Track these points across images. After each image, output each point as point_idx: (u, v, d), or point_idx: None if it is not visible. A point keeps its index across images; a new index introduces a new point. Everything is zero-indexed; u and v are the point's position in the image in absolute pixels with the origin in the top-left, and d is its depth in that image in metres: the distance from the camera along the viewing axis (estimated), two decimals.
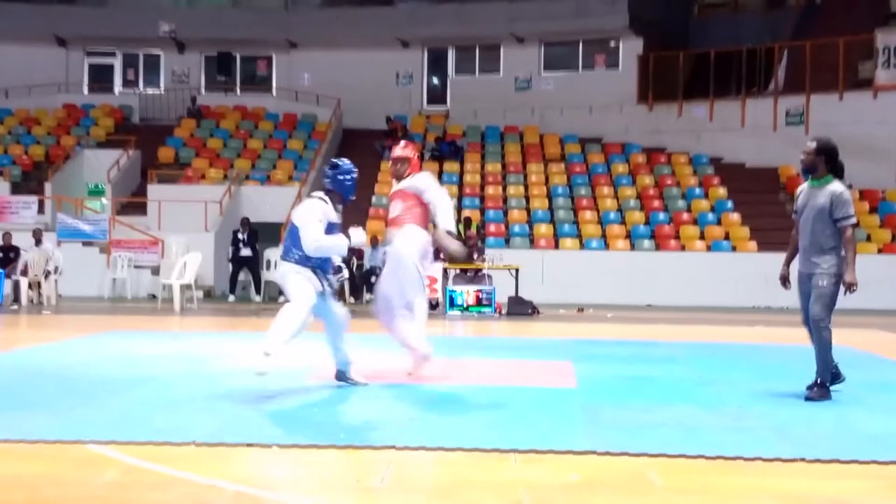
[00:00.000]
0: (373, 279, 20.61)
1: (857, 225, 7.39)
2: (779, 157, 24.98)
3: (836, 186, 7.35)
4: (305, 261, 7.46)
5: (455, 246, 8.17)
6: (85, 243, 22.64)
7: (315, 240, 7.35)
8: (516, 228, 23.70)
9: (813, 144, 7.46)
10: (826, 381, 7.38)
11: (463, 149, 27.57)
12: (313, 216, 7.44)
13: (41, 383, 7.94)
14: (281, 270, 7.68)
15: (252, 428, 6.04)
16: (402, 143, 8.75)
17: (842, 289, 7.32)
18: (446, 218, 8.14)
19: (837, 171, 7.45)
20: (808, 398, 7.31)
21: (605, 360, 10.11)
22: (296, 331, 7.28)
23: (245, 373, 7.56)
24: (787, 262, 7.77)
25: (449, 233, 8.11)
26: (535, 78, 29.84)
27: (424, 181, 8.24)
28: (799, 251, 7.52)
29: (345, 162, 7.78)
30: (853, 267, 7.22)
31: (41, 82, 29.64)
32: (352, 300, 20.51)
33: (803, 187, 7.61)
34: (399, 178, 8.34)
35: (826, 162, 7.40)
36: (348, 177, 7.70)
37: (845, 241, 7.28)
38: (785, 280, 7.75)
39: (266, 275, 21.10)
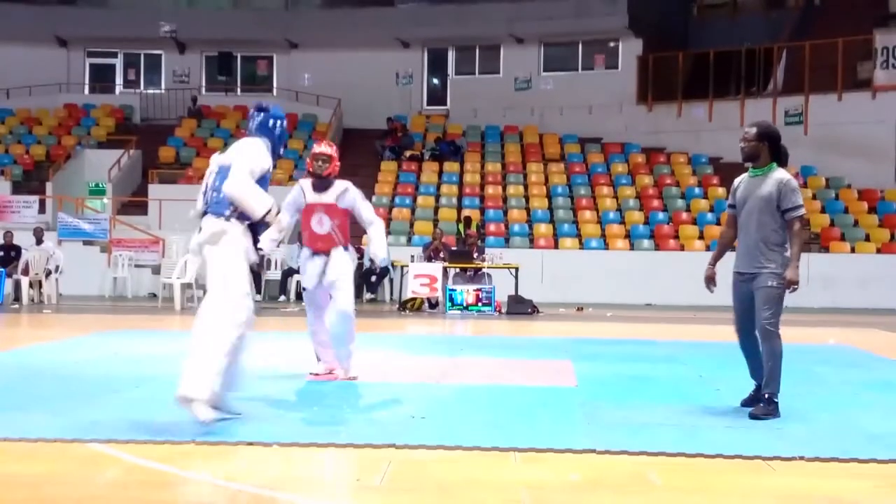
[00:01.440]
0: (373, 278, 20.62)
1: (806, 218, 6.60)
2: None
3: (781, 174, 6.72)
4: (244, 216, 6.18)
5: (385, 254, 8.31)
6: (86, 242, 22.65)
7: (244, 182, 6.03)
8: (516, 228, 23.69)
9: (753, 130, 6.83)
10: (775, 395, 6.63)
11: (463, 148, 27.56)
12: (257, 160, 6.20)
13: (41, 382, 7.94)
14: (214, 229, 6.16)
15: (252, 428, 6.04)
16: (325, 142, 8.26)
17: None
18: (378, 230, 8.26)
19: (781, 159, 6.83)
20: (752, 415, 6.56)
21: (604, 360, 10.12)
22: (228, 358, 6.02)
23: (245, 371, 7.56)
24: (714, 261, 7.02)
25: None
26: (535, 78, 29.84)
27: (355, 195, 8.11)
28: (739, 249, 6.84)
29: (274, 105, 6.59)
30: (797, 263, 6.57)
31: (42, 82, 29.65)
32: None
33: (742, 179, 6.97)
34: (317, 174, 7.99)
35: (769, 148, 6.79)
36: (280, 122, 6.48)
37: (793, 235, 6.61)
38: (710, 281, 6.95)
39: (267, 274, 21.09)
